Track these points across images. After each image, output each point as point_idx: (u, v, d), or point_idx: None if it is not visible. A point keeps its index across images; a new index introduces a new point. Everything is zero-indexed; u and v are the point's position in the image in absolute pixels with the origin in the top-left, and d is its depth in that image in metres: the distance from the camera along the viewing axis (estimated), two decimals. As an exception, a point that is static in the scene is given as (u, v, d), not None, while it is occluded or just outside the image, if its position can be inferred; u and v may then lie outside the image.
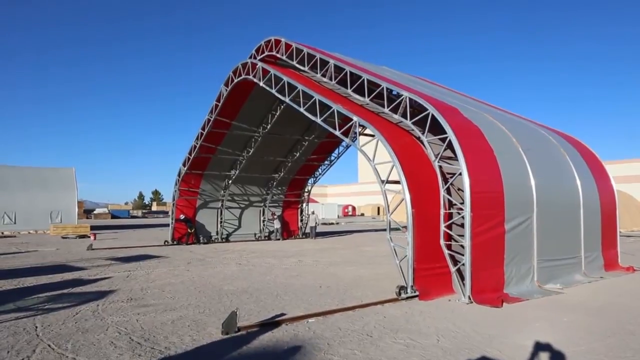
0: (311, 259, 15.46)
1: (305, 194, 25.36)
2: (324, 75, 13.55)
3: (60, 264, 14.10)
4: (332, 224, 47.69)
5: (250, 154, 20.97)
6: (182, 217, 21.06)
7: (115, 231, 33.30)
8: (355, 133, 10.85)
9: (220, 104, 18.21)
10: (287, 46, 15.08)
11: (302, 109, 13.02)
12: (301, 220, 25.53)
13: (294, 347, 5.78)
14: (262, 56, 16.48)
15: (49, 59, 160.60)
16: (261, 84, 15.28)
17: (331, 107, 11.58)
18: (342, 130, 11.36)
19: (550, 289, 9.58)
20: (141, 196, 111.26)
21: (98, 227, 36.76)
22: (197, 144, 19.82)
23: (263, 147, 20.86)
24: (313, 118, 12.55)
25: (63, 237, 26.66)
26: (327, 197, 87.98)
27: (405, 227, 8.86)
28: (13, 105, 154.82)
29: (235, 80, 17.08)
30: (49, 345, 5.80)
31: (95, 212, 64.33)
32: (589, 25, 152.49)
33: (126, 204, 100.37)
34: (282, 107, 18.78)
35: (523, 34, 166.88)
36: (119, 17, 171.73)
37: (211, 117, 18.78)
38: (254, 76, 15.77)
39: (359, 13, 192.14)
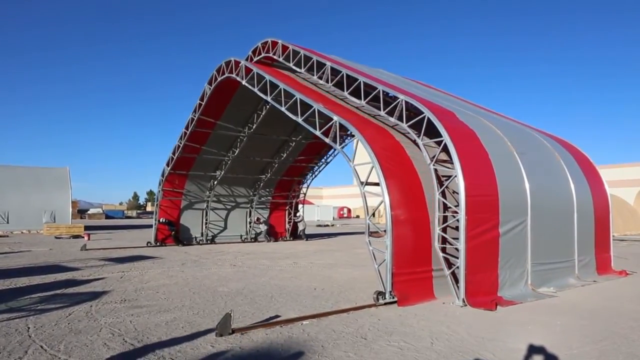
0: (306, 261, 15.45)
1: (292, 195, 25.02)
2: (320, 78, 13.54)
3: (54, 264, 14.01)
4: (327, 225, 47.70)
5: (235, 154, 20.63)
6: (162, 220, 20.65)
7: (110, 231, 33.12)
8: (335, 133, 10.56)
9: (203, 103, 17.85)
10: (284, 48, 15.08)
11: (283, 108, 12.77)
12: (289, 222, 25.26)
13: (288, 349, 5.77)
14: (258, 58, 16.46)
15: (44, 58, 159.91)
16: (244, 82, 14.98)
17: (312, 107, 11.33)
18: (322, 130, 11.08)
19: (543, 293, 9.62)
20: (136, 196, 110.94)
21: (92, 227, 36.56)
22: (180, 143, 19.45)
23: (249, 147, 20.56)
24: (294, 117, 12.31)
25: (56, 237, 26.50)
26: (322, 199, 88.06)
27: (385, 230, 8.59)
28: (8, 104, 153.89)
29: (219, 79, 16.73)
30: (42, 347, 5.76)
31: (89, 212, 63.98)
32: (584, 28, 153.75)
33: (121, 204, 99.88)
34: (268, 107, 18.38)
35: (518, 38, 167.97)
36: (116, 17, 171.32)
37: (195, 116, 18.41)
38: (237, 74, 15.45)
39: (356, 16, 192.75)
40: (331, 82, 13.13)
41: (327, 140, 10.96)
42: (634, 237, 28.59)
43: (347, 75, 12.32)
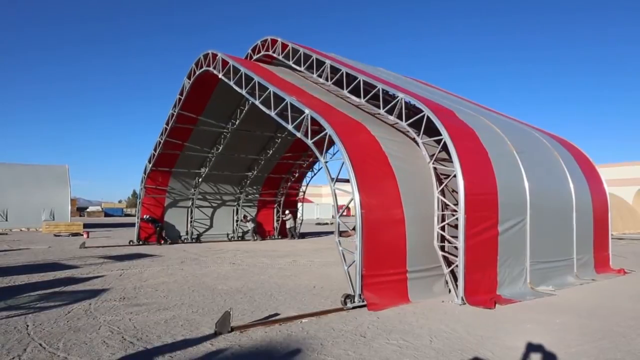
0: (305, 259, 15.46)
1: (280, 193, 24.76)
2: (320, 76, 13.53)
3: (53, 262, 14.01)
4: (327, 224, 47.73)
5: (219, 151, 20.24)
6: (145, 217, 20.29)
7: (109, 229, 33.11)
8: (307, 127, 10.16)
9: (183, 98, 17.42)
10: (284, 46, 15.07)
11: (257, 102, 12.48)
12: (277, 220, 24.95)
13: (287, 347, 5.77)
14: (258, 55, 16.46)
15: (44, 57, 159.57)
16: (220, 75, 14.64)
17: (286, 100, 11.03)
18: (294, 124, 10.74)
19: (542, 291, 9.64)
20: (135, 194, 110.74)
21: (91, 225, 36.56)
22: (161, 139, 19.04)
23: (233, 144, 20.17)
24: (267, 111, 12.01)
25: (55, 235, 26.49)
26: (322, 197, 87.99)
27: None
28: (8, 102, 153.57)
29: (197, 72, 16.34)
30: (40, 344, 5.75)
31: (88, 210, 64.08)
32: (583, 27, 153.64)
33: (120, 202, 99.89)
34: (250, 102, 17.39)
35: (518, 37, 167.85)
36: (116, 16, 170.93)
37: (175, 112, 17.97)
38: (214, 68, 15.10)
39: (357, 15, 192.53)
40: (331, 80, 13.12)
41: (298, 134, 10.50)
42: (633, 235, 28.63)
43: (347, 74, 12.31)
